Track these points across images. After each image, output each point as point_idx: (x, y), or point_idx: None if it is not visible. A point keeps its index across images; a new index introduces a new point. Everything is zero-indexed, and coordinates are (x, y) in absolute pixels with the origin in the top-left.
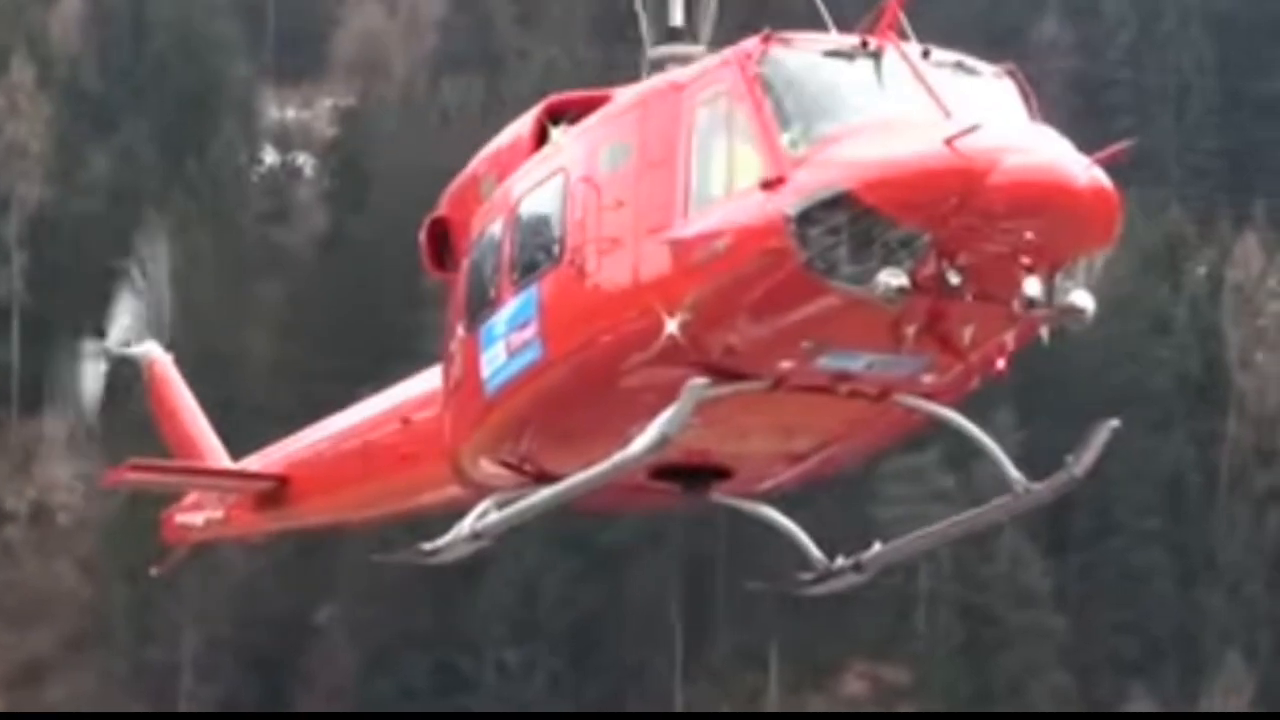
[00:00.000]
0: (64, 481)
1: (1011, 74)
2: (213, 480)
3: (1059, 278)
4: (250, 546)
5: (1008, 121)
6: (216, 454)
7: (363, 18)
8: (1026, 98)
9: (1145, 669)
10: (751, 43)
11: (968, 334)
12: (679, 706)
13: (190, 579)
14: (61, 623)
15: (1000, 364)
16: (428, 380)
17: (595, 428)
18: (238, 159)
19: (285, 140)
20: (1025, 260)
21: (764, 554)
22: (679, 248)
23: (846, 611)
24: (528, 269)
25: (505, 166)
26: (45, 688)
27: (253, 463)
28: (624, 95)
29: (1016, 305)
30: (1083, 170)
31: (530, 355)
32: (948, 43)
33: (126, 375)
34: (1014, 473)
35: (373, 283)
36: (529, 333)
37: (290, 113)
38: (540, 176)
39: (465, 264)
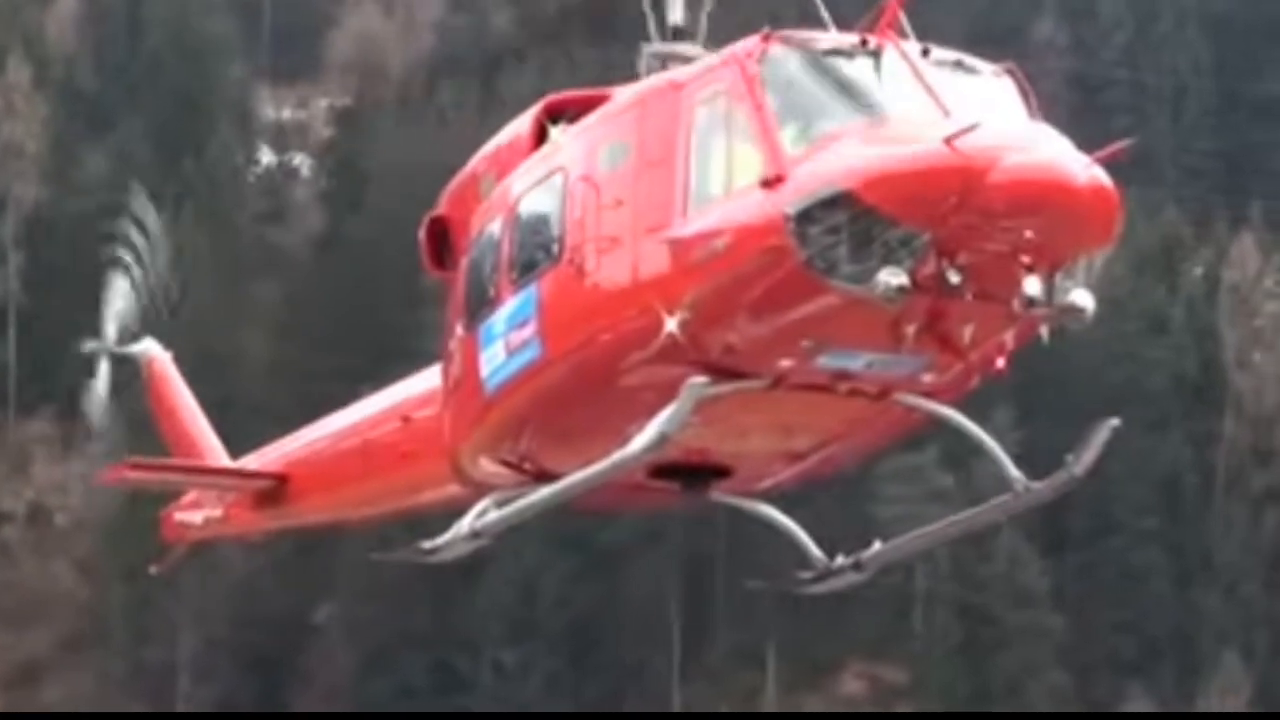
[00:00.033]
0: (61, 482)
1: (1011, 73)
2: (212, 479)
3: (1059, 277)
4: (249, 545)
5: (1007, 120)
6: (216, 452)
7: (359, 18)
8: (1026, 96)
9: (1143, 669)
10: (751, 41)
11: (968, 333)
12: (676, 706)
13: (188, 578)
14: (59, 623)
15: (1000, 363)
16: (427, 379)
17: (594, 426)
18: (234, 159)
19: (282, 141)
20: (1025, 259)
21: (762, 553)
22: (678, 246)
23: (844, 611)
24: (527, 268)
25: (505, 165)
26: (42, 688)
27: (251, 461)
28: (623, 94)
29: (1016, 304)
30: (1083, 169)
31: (529, 354)
32: (945, 41)
33: (124, 373)
34: (1014, 472)
35: (370, 282)
36: (528, 331)
37: (286, 113)
38: (539, 175)
39: (464, 263)
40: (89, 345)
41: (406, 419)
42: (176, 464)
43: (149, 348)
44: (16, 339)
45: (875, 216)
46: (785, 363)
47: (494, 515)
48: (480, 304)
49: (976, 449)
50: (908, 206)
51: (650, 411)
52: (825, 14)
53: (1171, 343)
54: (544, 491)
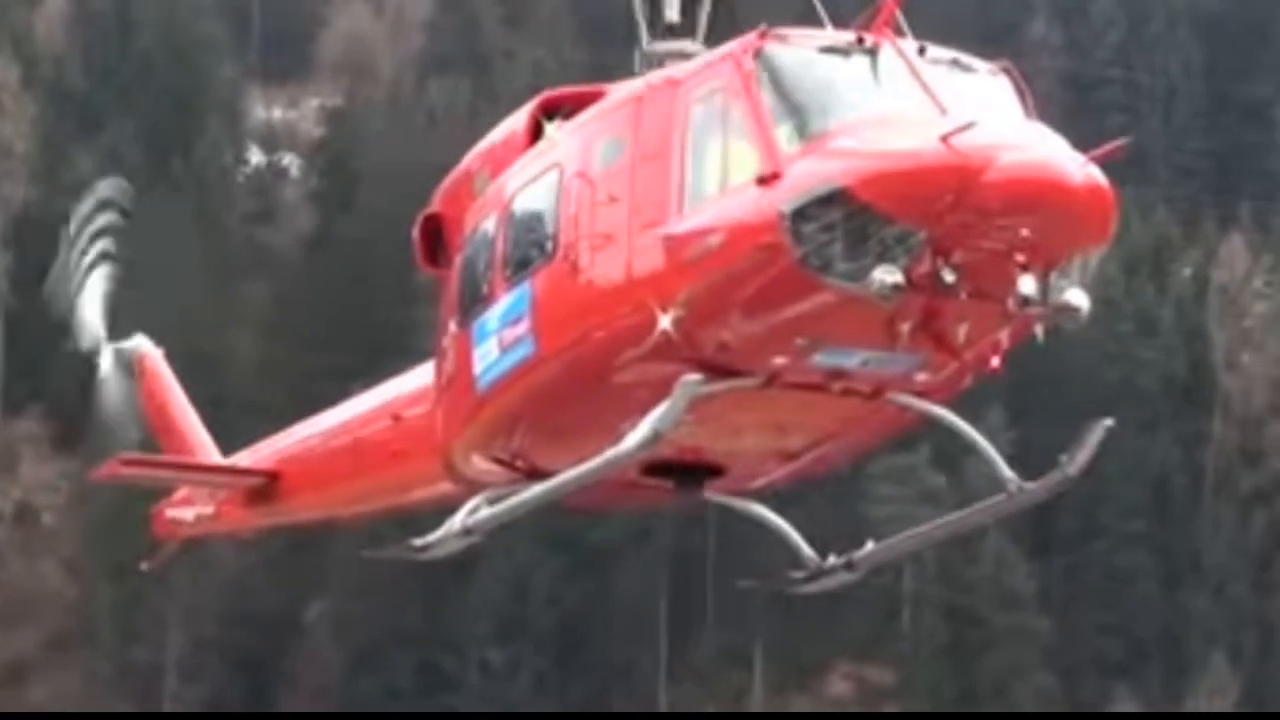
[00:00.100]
0: (49, 481)
1: (1007, 71)
2: (203, 475)
3: (1054, 276)
4: (240, 542)
5: (1003, 119)
6: (207, 449)
7: (349, 18)
8: (1022, 95)
9: (1130, 670)
10: (748, 39)
11: (962, 332)
12: (663, 706)
13: (178, 576)
14: (45, 623)
15: (995, 362)
16: (419, 377)
17: (587, 424)
18: (223, 159)
19: (271, 140)
20: (1020, 258)
21: (751, 553)
22: (673, 243)
23: (831, 613)
24: (521, 265)
25: (499, 162)
26: (29, 688)
27: (243, 458)
28: (619, 91)
29: (1011, 303)
30: (1078, 168)
31: (522, 351)
32: (942, 40)
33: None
34: (1007, 472)
35: (360, 282)
36: (521, 329)
37: (276, 113)
38: (534, 172)
39: (458, 260)
40: (86, 343)
41: (397, 417)
42: (169, 460)
43: (140, 344)
44: (4, 338)
45: (871, 214)
46: (780, 361)
47: (486, 512)
48: (474, 301)
49: (969, 449)
50: (903, 204)
51: (644, 409)
52: (822, 12)
53: (1160, 343)
54: (536, 489)
